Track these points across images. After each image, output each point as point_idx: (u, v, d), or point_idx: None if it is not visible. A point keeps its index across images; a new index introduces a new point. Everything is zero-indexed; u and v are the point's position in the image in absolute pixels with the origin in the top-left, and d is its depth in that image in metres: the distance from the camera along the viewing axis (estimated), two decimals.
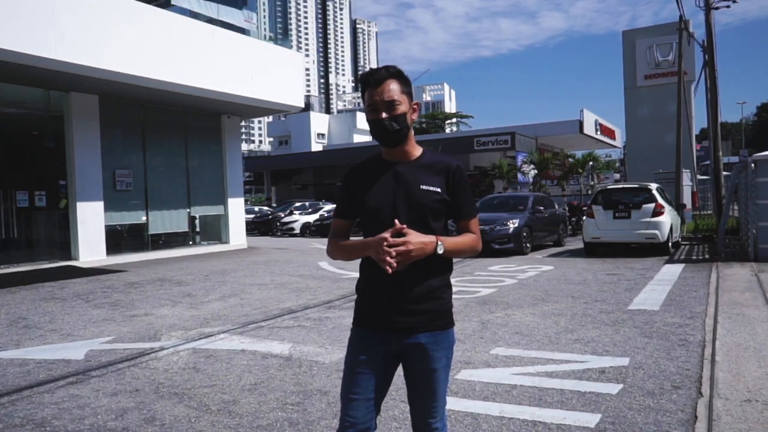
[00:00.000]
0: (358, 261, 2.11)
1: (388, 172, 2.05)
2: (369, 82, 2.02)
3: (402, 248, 1.87)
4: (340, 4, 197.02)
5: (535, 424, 3.42)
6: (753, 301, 6.95)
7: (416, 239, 1.89)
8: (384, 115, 1.98)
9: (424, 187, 2.00)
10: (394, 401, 3.75)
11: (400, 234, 1.90)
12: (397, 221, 1.91)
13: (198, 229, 16.04)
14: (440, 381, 2.05)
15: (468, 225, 2.08)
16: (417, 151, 2.09)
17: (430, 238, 1.93)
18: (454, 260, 2.15)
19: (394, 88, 2.00)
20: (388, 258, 1.86)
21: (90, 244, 12.74)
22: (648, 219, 12.22)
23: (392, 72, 2.02)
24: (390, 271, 1.86)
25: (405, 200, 1.99)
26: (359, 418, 1.99)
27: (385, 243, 1.87)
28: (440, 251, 1.94)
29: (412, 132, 2.09)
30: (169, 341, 5.67)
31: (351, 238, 2.15)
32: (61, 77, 11.12)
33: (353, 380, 2.03)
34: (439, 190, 2.01)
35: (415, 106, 2.07)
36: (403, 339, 2.01)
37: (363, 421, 2.00)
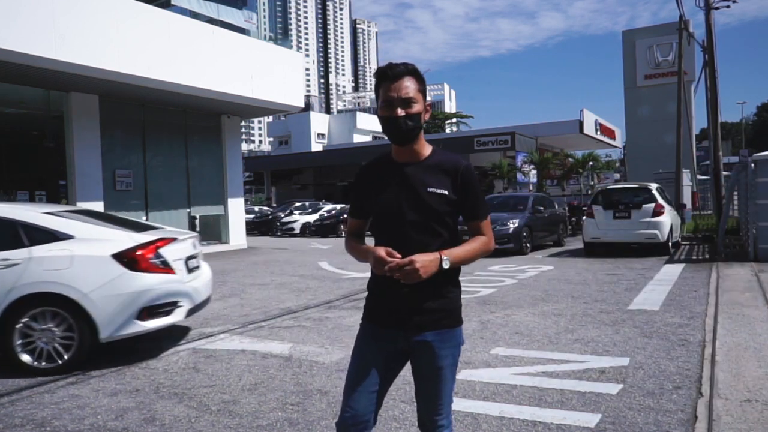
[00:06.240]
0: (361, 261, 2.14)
1: (395, 173, 2.03)
2: (387, 76, 1.97)
3: (408, 267, 1.85)
4: (340, 4, 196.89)
5: (535, 424, 3.42)
6: (753, 301, 6.95)
7: (421, 259, 1.87)
8: (400, 112, 1.95)
9: (431, 189, 1.98)
10: (394, 401, 3.75)
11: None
12: (398, 256, 1.89)
13: (198, 229, 16.02)
14: (446, 379, 2.05)
15: (479, 226, 2.06)
16: (426, 150, 2.07)
17: (433, 256, 1.90)
18: None
19: (411, 85, 1.96)
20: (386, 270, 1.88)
21: None
22: (648, 219, 12.23)
23: (410, 69, 1.99)
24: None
25: (412, 203, 1.98)
26: (359, 410, 2.01)
27: (390, 263, 1.87)
28: (446, 266, 1.91)
29: (422, 131, 2.06)
30: (169, 341, 5.67)
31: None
32: (61, 77, 11.12)
33: (358, 372, 2.05)
34: (446, 192, 1.99)
35: (428, 107, 2.05)
36: (411, 337, 2.02)
37: (363, 413, 2.01)
